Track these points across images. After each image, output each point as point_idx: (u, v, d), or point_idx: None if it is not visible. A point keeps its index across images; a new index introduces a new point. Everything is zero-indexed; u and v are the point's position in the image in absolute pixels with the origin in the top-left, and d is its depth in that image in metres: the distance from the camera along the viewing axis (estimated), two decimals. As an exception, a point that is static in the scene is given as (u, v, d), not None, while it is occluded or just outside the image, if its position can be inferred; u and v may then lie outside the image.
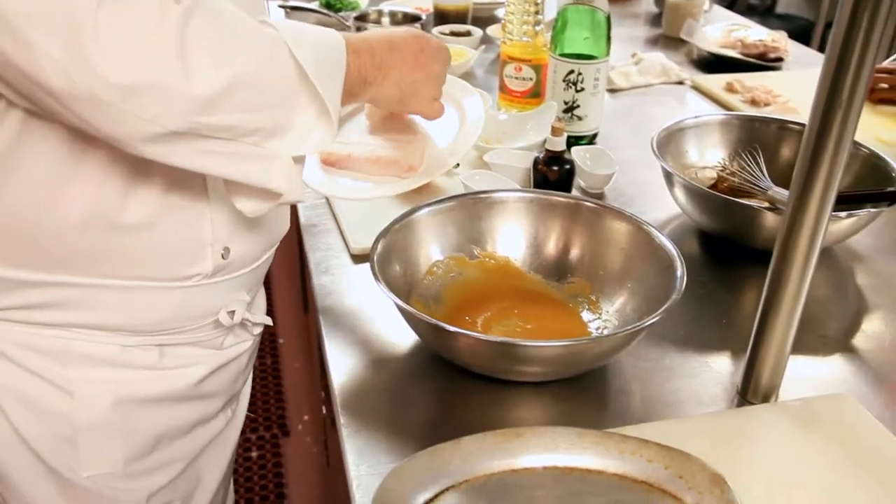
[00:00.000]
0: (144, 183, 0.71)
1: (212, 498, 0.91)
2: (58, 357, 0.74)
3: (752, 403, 0.83)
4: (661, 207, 1.21)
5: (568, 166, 1.16)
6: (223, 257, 0.78)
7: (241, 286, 0.83)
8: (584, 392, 0.85)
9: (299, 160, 0.73)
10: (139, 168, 0.70)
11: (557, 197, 1.00)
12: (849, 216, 1.01)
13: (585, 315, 0.93)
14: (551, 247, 0.99)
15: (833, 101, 0.68)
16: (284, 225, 0.88)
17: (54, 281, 0.72)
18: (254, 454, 2.05)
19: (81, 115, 0.60)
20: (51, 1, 0.56)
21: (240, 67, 0.64)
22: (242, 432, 2.11)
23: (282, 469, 2.01)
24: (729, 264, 1.09)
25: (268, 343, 2.46)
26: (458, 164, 1.26)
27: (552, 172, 1.15)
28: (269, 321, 0.89)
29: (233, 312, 0.83)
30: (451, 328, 0.78)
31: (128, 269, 0.74)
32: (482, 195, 0.99)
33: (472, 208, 0.98)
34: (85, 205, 0.69)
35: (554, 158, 1.15)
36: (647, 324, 0.79)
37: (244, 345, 0.87)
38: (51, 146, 0.67)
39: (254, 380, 2.29)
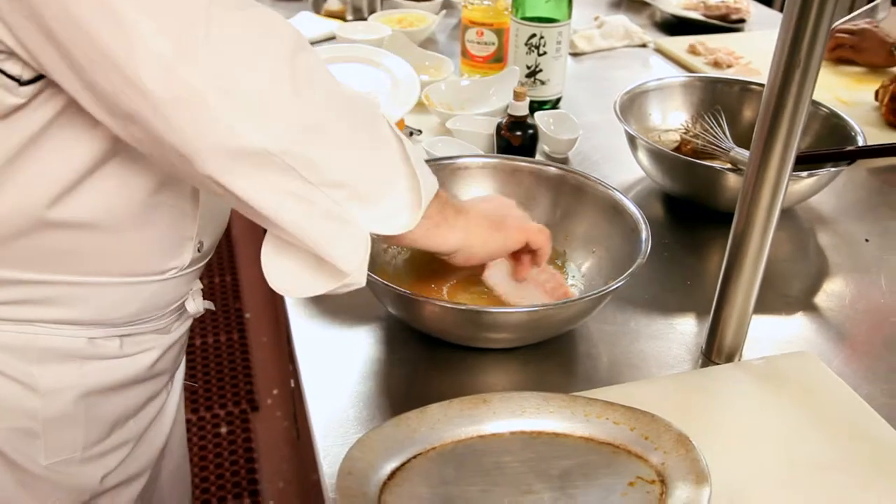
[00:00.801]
0: (136, 183, 0.69)
1: (156, 467, 0.91)
2: (20, 353, 0.72)
3: (716, 363, 0.83)
4: (626, 171, 1.21)
5: (531, 131, 1.15)
6: (199, 250, 0.79)
7: (198, 275, 0.84)
8: (551, 357, 0.85)
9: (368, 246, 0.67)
10: (133, 168, 0.67)
11: (521, 162, 0.99)
12: (809, 175, 1.01)
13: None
14: None
15: (792, 59, 0.68)
16: (228, 211, 0.86)
17: (30, 279, 0.69)
18: (223, 430, 2.04)
19: (167, 115, 0.55)
20: None
21: (347, 106, 0.62)
22: (210, 408, 2.10)
23: (252, 444, 2.01)
24: (693, 227, 1.10)
25: (234, 318, 2.44)
26: (420, 132, 1.25)
27: (515, 138, 1.14)
28: (212, 306, 0.91)
29: (195, 300, 0.85)
30: (419, 297, 0.78)
31: (109, 267, 0.72)
32: (444, 161, 0.98)
33: (434, 175, 0.97)
34: (73, 206, 0.66)
35: (517, 123, 1.14)
36: (612, 288, 0.79)
37: (186, 324, 0.88)
38: (61, 152, 0.64)
39: (221, 356, 2.29)
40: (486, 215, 0.79)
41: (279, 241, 0.66)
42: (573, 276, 0.93)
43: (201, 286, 0.86)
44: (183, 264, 0.77)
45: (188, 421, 0.99)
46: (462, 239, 0.75)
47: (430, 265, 0.93)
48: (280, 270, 0.67)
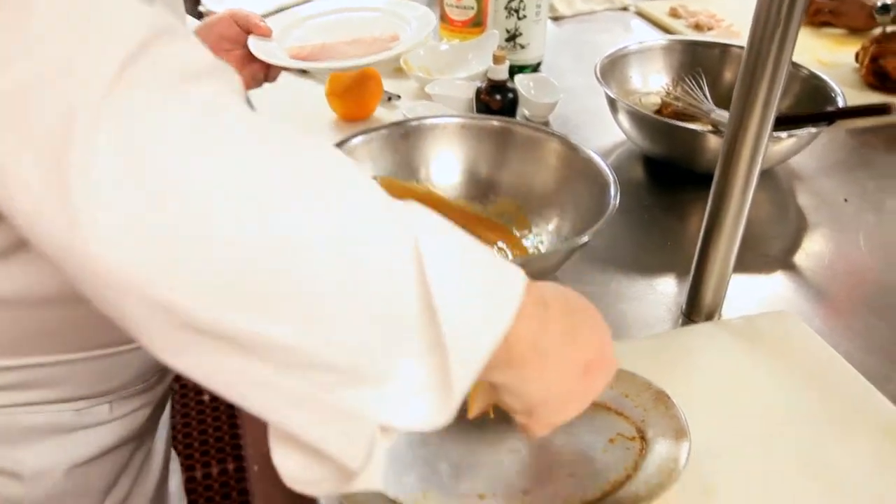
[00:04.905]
0: None
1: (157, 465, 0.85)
2: (1, 437, 0.64)
3: (696, 322, 0.84)
4: (606, 134, 1.20)
5: (511, 95, 1.14)
6: None
7: None
8: (531, 319, 0.85)
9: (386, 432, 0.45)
10: None
11: (486, 121, 0.98)
12: (789, 136, 1.01)
13: (516, 234, 0.93)
14: (482, 171, 0.98)
15: (771, 18, 0.68)
16: None
17: (12, 365, 0.62)
18: (206, 397, 2.04)
19: (65, 269, 0.39)
20: (34, 76, 0.36)
21: (334, 253, 0.39)
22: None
23: (235, 409, 2.01)
24: (674, 189, 1.10)
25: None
26: (399, 97, 1.24)
27: (495, 102, 1.13)
28: None
29: None
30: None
31: (92, 340, 0.64)
32: (413, 122, 0.97)
33: (403, 136, 0.96)
34: (53, 280, 0.58)
35: (496, 87, 1.13)
36: (583, 240, 0.78)
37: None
38: None
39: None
40: (554, 383, 0.50)
41: None
42: (538, 229, 0.93)
43: None
44: None
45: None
46: (545, 392, 0.50)
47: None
48: (286, 456, 0.44)
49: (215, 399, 2.04)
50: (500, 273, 0.45)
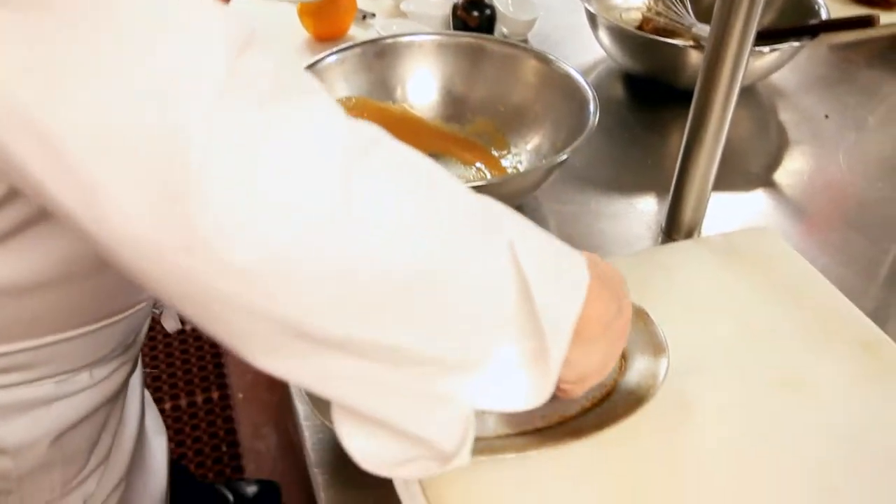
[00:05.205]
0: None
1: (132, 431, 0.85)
2: None
3: (675, 240, 0.83)
4: (586, 52, 1.18)
5: (489, 12, 1.11)
6: None
7: None
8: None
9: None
10: None
11: (465, 39, 0.95)
12: (771, 51, 1.00)
13: (494, 154, 0.92)
14: (458, 90, 0.95)
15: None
16: None
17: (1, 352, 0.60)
18: (188, 327, 2.04)
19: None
20: (133, 96, 0.35)
21: (441, 255, 0.41)
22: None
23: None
24: (654, 107, 1.08)
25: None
26: (373, 15, 1.21)
27: (472, 18, 1.10)
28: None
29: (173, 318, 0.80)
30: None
31: (76, 319, 0.63)
32: (388, 40, 0.94)
33: (378, 55, 0.94)
34: (46, 266, 0.56)
35: (474, 4, 1.10)
36: (562, 159, 0.77)
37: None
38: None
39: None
40: (608, 346, 0.53)
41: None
42: (518, 154, 0.91)
43: None
44: (150, 297, 0.71)
45: (153, 320, 0.92)
46: (599, 363, 0.53)
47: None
48: (359, 438, 0.46)
49: (197, 330, 2.04)
50: (569, 258, 0.49)
